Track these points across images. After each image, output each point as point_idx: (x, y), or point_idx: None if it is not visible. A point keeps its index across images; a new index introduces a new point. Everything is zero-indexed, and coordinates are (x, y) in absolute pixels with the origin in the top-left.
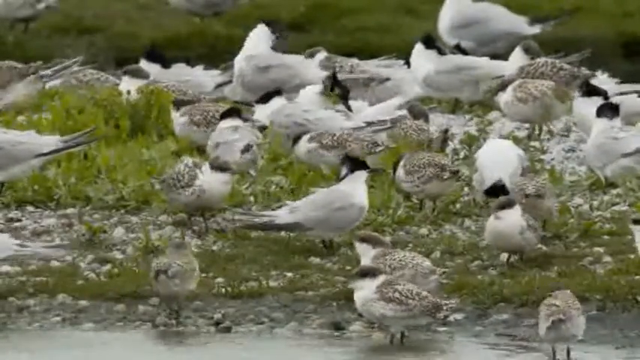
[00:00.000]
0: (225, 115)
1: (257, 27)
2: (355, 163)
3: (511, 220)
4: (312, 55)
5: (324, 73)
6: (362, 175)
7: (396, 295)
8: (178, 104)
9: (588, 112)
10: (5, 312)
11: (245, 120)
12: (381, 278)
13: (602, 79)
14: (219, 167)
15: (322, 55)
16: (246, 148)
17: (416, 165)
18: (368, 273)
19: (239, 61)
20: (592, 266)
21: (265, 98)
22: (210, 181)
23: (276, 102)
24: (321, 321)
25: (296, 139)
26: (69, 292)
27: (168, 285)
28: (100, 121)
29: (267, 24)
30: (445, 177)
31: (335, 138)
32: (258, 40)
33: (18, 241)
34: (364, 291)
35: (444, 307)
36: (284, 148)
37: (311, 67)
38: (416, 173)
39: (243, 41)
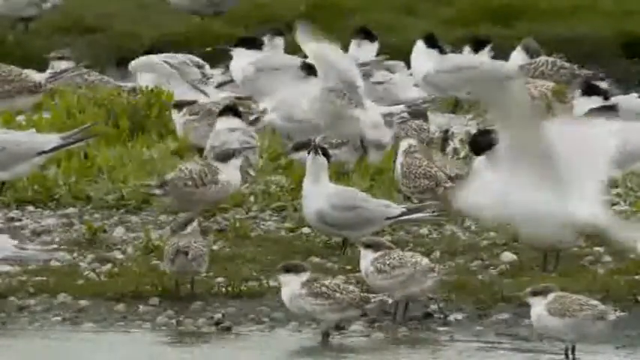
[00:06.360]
0: (222, 114)
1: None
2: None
3: None
4: None
5: None
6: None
7: (324, 289)
8: (180, 106)
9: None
10: (5, 312)
11: (242, 118)
12: (306, 275)
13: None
14: (226, 156)
15: None
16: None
17: (412, 172)
18: (291, 269)
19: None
20: (592, 266)
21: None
22: (226, 171)
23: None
24: None
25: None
26: (69, 291)
27: (185, 266)
28: (101, 120)
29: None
30: (439, 192)
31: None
32: None
33: (16, 243)
34: (290, 287)
35: (372, 300)
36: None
37: None
38: (411, 181)
39: None
